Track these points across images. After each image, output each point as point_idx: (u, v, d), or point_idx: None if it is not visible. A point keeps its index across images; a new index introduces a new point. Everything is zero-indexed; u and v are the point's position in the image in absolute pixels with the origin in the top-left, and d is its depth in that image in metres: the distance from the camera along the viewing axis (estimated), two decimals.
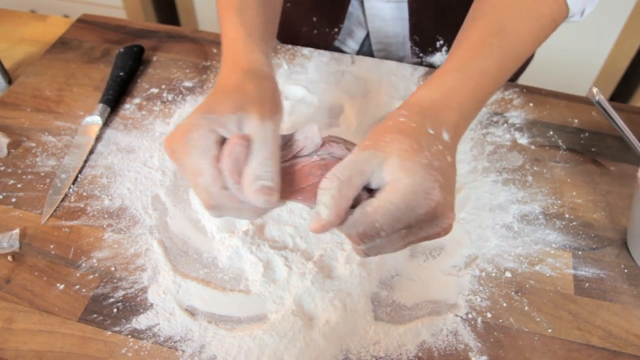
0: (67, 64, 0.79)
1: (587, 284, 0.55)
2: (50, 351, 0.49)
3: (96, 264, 0.55)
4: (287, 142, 0.44)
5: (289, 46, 0.82)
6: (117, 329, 0.50)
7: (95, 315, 0.51)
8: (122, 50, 0.78)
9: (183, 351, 0.49)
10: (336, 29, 0.82)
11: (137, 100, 0.74)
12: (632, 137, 0.54)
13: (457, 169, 0.43)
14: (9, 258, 0.56)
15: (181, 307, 0.52)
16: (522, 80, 0.92)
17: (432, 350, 0.50)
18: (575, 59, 1.58)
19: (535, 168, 0.66)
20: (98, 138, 0.68)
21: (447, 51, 0.82)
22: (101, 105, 0.70)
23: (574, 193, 0.64)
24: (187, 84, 0.76)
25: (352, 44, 0.87)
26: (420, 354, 0.50)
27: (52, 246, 0.57)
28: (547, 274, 0.56)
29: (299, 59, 0.80)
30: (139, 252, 0.56)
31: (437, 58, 0.83)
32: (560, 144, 0.69)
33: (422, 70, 0.78)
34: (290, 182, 0.42)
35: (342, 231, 0.39)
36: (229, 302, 0.52)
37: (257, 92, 0.43)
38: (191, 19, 1.92)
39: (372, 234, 0.38)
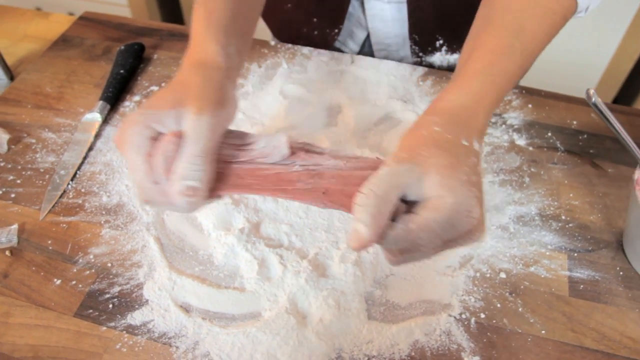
0: (68, 61, 0.80)
1: (581, 286, 0.55)
2: (46, 345, 0.50)
3: (93, 260, 0.56)
4: (248, 143, 0.43)
5: (289, 45, 0.82)
6: (112, 324, 0.51)
7: (90, 311, 0.52)
8: (122, 47, 0.78)
9: (177, 347, 0.49)
10: (336, 30, 0.82)
11: (137, 98, 0.74)
12: (628, 139, 0.54)
13: None
14: (7, 253, 0.56)
15: (176, 303, 0.52)
16: (525, 81, 0.92)
17: (425, 350, 0.50)
18: (579, 61, 1.58)
19: (532, 169, 0.66)
20: (97, 135, 0.69)
21: (447, 51, 0.82)
22: (101, 102, 0.71)
23: (571, 195, 0.64)
24: None
25: (353, 45, 0.87)
26: (413, 354, 0.50)
27: (49, 242, 0.57)
28: (542, 276, 0.56)
29: (299, 58, 0.80)
30: (135, 249, 0.57)
31: (436, 58, 0.83)
32: (558, 145, 0.69)
33: (421, 70, 0.78)
34: (262, 182, 0.42)
35: (382, 246, 0.39)
36: (223, 300, 0.53)
37: (201, 85, 0.43)
38: None
39: (412, 249, 0.38)
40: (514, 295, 0.54)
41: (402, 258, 0.39)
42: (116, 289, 0.54)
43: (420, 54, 0.83)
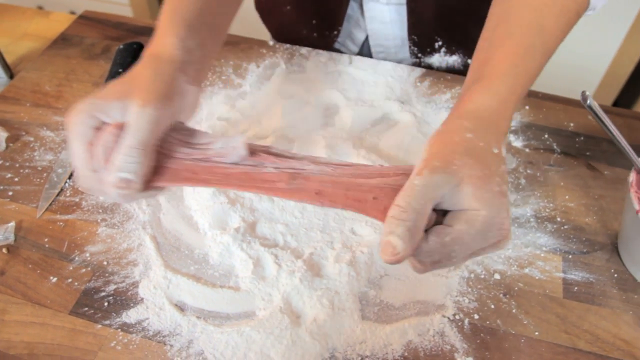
0: (67, 59, 0.80)
1: (576, 288, 0.55)
2: (41, 343, 0.50)
3: (89, 258, 0.56)
4: (205, 142, 0.44)
5: (287, 45, 0.82)
6: (107, 322, 0.51)
7: (86, 309, 0.52)
8: (121, 46, 0.78)
9: (171, 346, 0.50)
10: (335, 32, 0.82)
11: None
12: (622, 141, 0.54)
13: None
14: (4, 250, 0.57)
15: (171, 302, 0.52)
16: None
17: (418, 350, 0.50)
18: (579, 63, 1.57)
19: (528, 171, 0.66)
20: None
21: (446, 52, 0.82)
22: None
23: (567, 197, 0.64)
24: None
25: (352, 47, 0.87)
26: (406, 354, 0.50)
27: (46, 239, 0.58)
28: (537, 277, 0.56)
29: (297, 59, 0.80)
30: (131, 247, 0.57)
31: (435, 59, 0.83)
32: (555, 147, 0.69)
33: (419, 71, 0.79)
34: (223, 178, 0.42)
35: (416, 257, 0.38)
36: (218, 298, 0.53)
37: (150, 79, 0.44)
38: None
39: (443, 260, 0.38)
40: (508, 296, 0.54)
41: (431, 267, 0.39)
42: (112, 287, 0.54)
43: (419, 55, 0.84)
